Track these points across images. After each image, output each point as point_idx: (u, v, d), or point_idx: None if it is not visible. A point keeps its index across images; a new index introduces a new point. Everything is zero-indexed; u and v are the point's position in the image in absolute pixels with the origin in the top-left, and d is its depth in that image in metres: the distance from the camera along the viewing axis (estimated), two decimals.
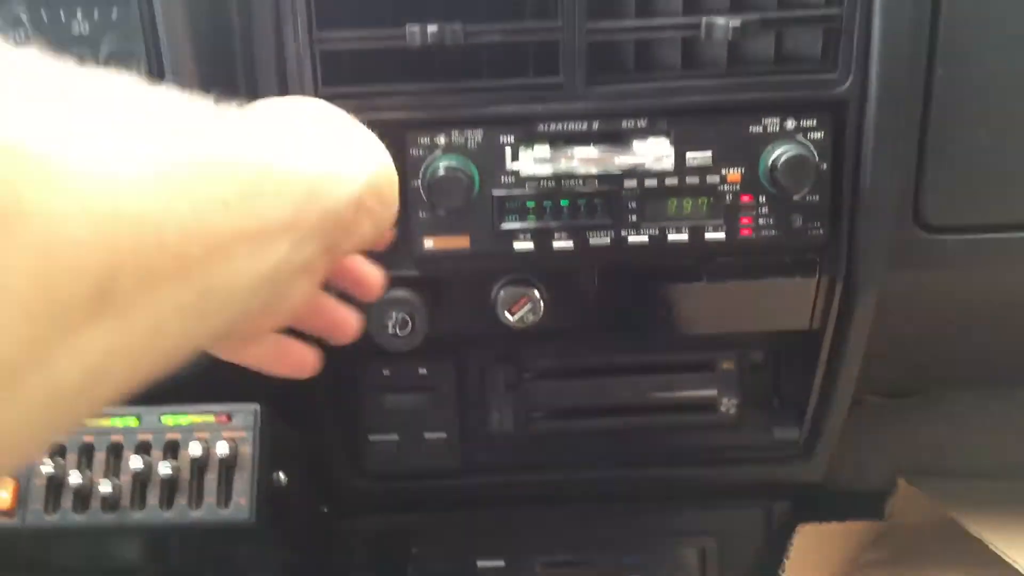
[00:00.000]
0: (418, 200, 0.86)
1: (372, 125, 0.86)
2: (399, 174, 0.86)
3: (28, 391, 0.34)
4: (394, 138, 0.86)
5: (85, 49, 0.83)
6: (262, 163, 0.47)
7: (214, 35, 0.83)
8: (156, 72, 0.81)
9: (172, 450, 0.88)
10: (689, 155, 0.86)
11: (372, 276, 0.74)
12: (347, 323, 0.71)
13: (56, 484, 0.87)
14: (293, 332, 0.66)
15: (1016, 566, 1.01)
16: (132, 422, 0.89)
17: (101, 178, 0.35)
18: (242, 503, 0.86)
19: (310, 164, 0.53)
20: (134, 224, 0.36)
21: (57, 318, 0.34)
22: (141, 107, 0.41)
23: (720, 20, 0.81)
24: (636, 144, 0.84)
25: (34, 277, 0.32)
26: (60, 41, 0.84)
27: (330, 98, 0.84)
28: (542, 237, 0.88)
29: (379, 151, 0.65)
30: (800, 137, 0.86)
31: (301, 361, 0.68)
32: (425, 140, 0.85)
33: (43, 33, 0.83)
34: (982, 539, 1.06)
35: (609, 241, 0.88)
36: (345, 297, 0.70)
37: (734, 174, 0.87)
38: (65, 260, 0.33)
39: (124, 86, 0.41)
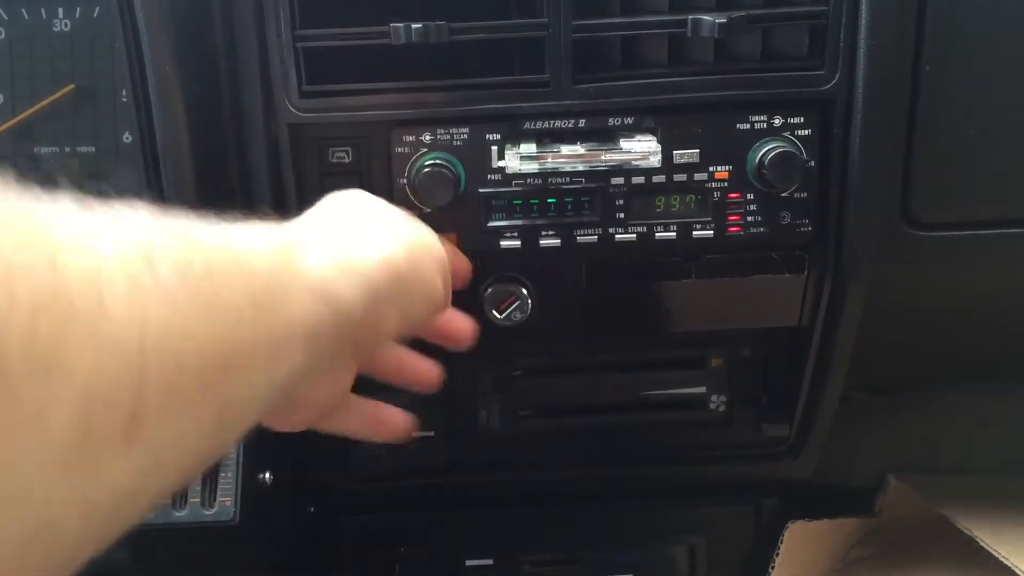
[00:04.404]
0: (404, 199, 0.85)
1: (357, 124, 0.86)
2: (384, 173, 0.87)
3: (63, 523, 0.35)
4: (379, 136, 0.86)
5: (64, 46, 0.82)
6: (268, 272, 0.47)
7: (195, 34, 0.83)
8: (137, 72, 0.80)
9: None
10: (676, 152, 0.86)
11: (461, 328, 0.76)
12: (428, 375, 0.75)
13: None
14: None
15: (1006, 562, 1.01)
16: None
17: (130, 318, 0.36)
18: (226, 503, 0.86)
19: (317, 265, 0.52)
20: (158, 353, 0.37)
21: (94, 454, 0.35)
22: (152, 239, 0.41)
23: (706, 17, 0.81)
24: (623, 141, 0.84)
25: (75, 421, 0.33)
26: (40, 38, 0.83)
27: (313, 96, 0.84)
28: (529, 235, 0.88)
29: (400, 232, 0.62)
30: (787, 134, 0.86)
31: (394, 426, 0.72)
32: (410, 138, 0.85)
33: (22, 30, 0.82)
34: (972, 535, 1.06)
35: (596, 239, 0.88)
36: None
37: (721, 171, 0.87)
38: (101, 401, 0.34)
39: (134, 216, 0.42)
